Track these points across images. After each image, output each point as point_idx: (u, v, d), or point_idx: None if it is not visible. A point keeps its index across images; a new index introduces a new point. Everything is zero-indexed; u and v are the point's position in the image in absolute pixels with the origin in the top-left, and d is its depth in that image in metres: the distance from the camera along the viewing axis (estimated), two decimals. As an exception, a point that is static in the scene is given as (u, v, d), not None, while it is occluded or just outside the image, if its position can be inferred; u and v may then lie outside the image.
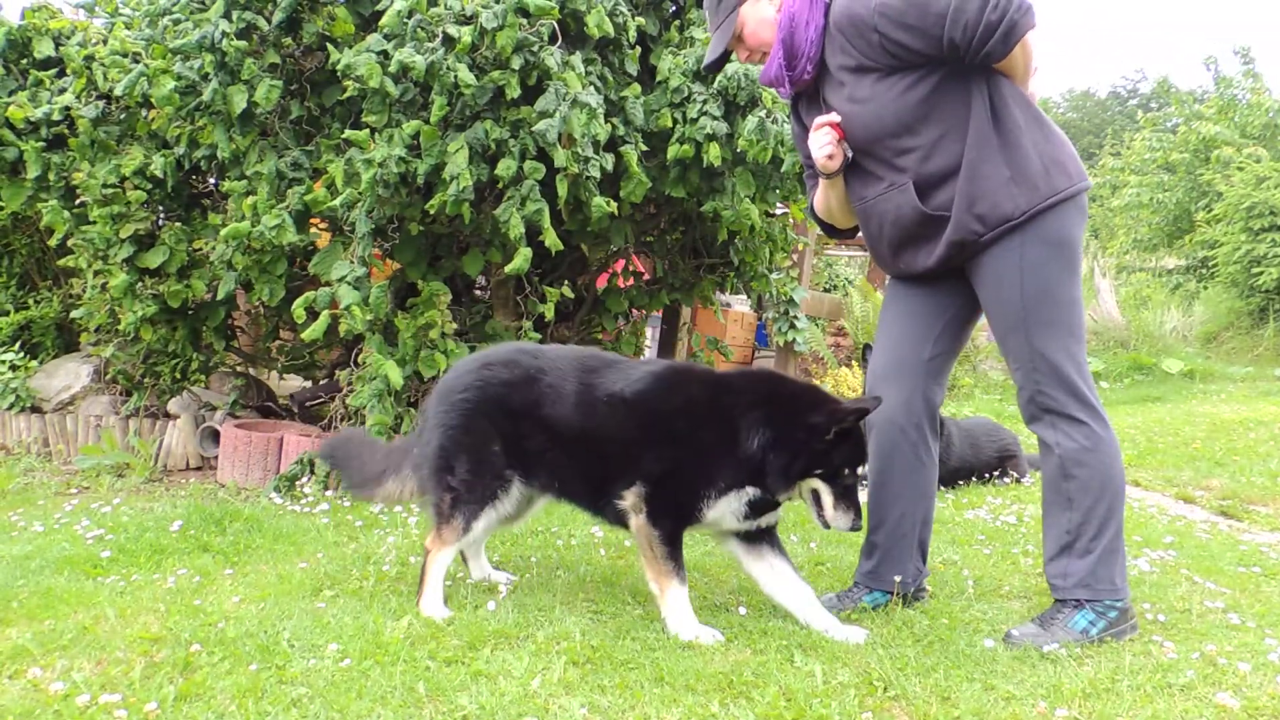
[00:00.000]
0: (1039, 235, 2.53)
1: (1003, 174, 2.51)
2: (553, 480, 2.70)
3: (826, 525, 2.57)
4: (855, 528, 2.58)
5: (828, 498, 2.54)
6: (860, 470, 2.73)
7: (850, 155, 2.70)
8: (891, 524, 2.81)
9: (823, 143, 2.64)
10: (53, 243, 4.91)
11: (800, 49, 2.63)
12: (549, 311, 4.47)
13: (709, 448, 2.54)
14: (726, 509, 2.56)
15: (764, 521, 2.65)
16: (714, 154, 4.17)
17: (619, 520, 2.63)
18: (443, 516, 2.64)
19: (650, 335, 6.52)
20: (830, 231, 3.01)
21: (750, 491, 2.55)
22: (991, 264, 2.58)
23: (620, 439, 2.58)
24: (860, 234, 2.91)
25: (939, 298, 2.77)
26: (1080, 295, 2.62)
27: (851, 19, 2.53)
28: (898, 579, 2.78)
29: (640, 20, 4.36)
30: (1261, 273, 11.85)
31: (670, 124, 4.25)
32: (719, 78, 4.17)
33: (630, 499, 2.55)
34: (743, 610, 2.70)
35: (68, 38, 4.93)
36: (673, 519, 2.54)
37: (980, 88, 2.53)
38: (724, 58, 2.81)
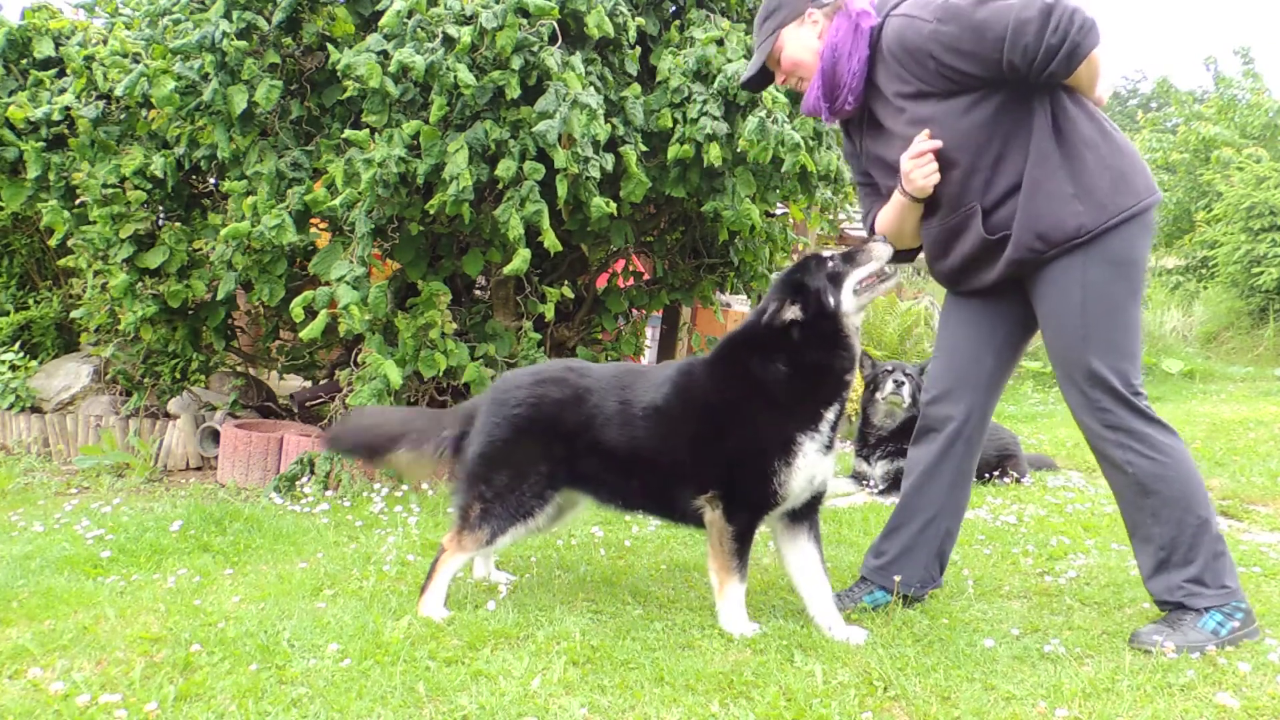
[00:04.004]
0: (1103, 254, 2.45)
1: (1065, 190, 2.43)
2: (615, 496, 2.74)
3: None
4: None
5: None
6: (887, 468, 2.73)
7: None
8: (917, 526, 2.80)
9: (928, 170, 2.51)
10: (53, 243, 4.90)
11: (842, 81, 2.54)
12: (549, 312, 4.48)
13: (753, 422, 2.55)
14: (801, 474, 2.53)
15: (828, 475, 2.64)
16: (714, 154, 4.16)
17: (700, 523, 2.63)
18: (468, 523, 2.63)
19: (650, 335, 6.51)
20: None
21: (821, 432, 2.55)
22: (1052, 281, 2.51)
23: (670, 447, 2.60)
24: (918, 255, 2.85)
25: (999, 309, 2.72)
26: (1139, 317, 2.53)
27: (906, 47, 2.45)
28: (897, 579, 2.78)
29: (640, 20, 4.36)
30: (1261, 273, 11.85)
31: (670, 124, 4.24)
32: (719, 78, 4.16)
33: (704, 498, 2.58)
34: (743, 610, 2.70)
35: (68, 38, 4.93)
36: (749, 512, 2.55)
37: (1043, 101, 2.44)
38: (760, 77, 2.70)
